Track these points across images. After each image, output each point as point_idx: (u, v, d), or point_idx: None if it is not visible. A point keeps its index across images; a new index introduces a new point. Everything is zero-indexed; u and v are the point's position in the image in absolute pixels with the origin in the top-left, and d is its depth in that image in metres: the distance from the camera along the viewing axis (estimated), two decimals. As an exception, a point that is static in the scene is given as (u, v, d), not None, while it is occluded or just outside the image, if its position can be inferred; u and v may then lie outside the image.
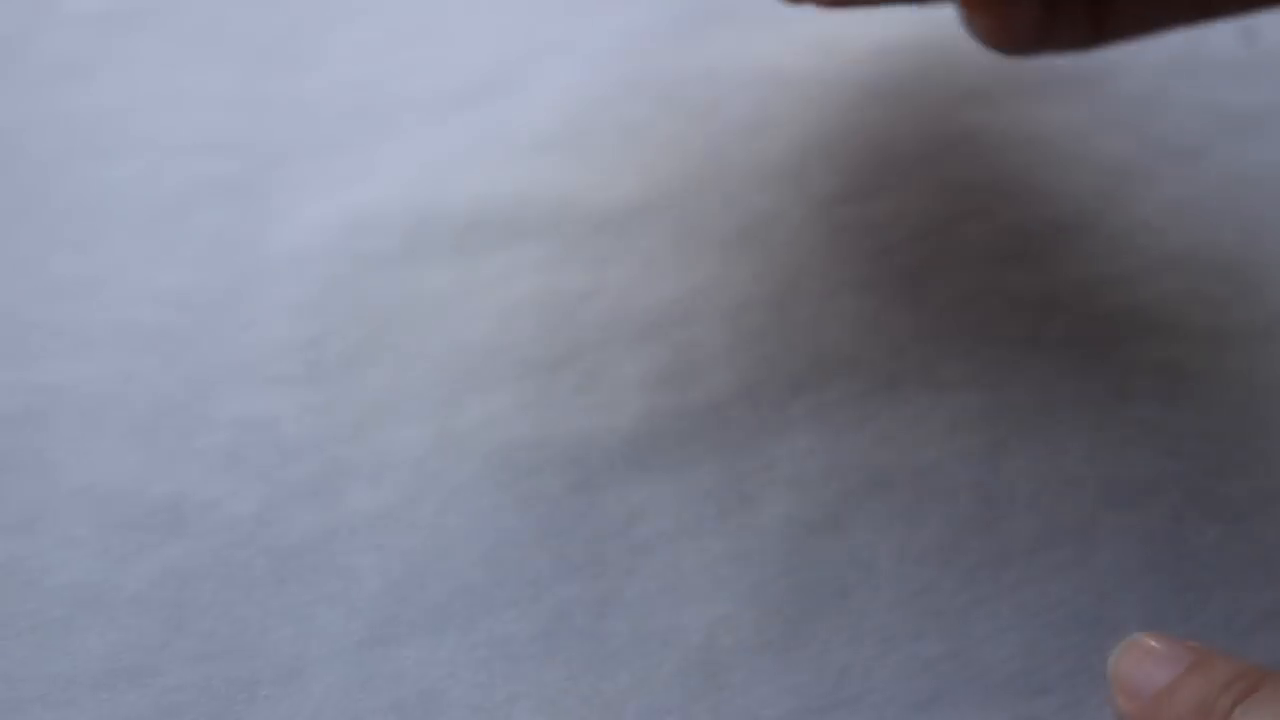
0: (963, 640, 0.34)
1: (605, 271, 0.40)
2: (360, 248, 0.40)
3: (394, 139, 0.43)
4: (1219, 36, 0.45)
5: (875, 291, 0.40)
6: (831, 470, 0.37)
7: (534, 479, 0.36)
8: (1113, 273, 0.41)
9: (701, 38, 0.46)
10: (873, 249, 0.42)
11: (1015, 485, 0.36)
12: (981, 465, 0.37)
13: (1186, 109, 0.45)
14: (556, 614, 0.34)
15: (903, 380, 0.39)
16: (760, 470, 0.37)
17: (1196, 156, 0.45)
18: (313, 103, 0.44)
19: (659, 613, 0.34)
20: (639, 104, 0.44)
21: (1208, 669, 0.31)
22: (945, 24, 0.43)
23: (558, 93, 0.44)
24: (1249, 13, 0.38)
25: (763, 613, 0.34)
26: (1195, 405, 0.38)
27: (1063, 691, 0.33)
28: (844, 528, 0.36)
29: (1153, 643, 0.32)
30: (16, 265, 0.40)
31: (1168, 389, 0.39)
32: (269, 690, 0.32)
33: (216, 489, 0.36)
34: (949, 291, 0.41)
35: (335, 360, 0.38)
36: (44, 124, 0.43)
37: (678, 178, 0.42)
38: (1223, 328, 0.40)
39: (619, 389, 0.38)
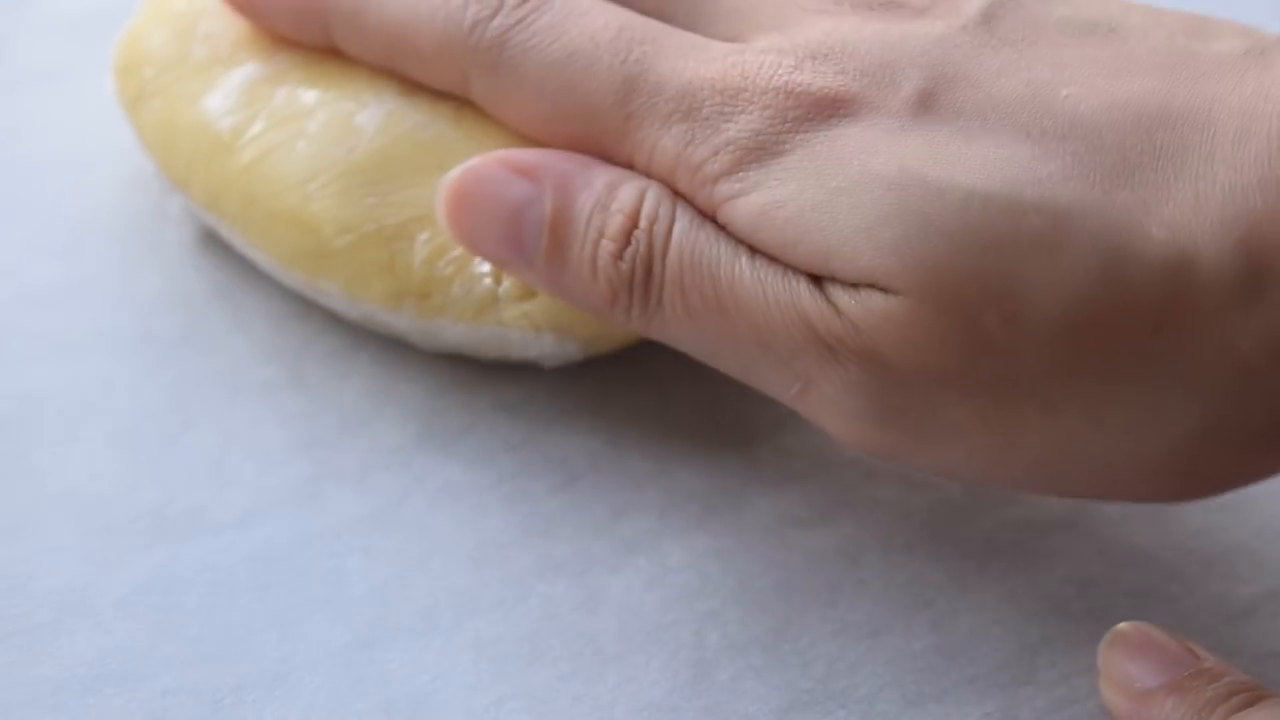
0: (950, 632, 0.34)
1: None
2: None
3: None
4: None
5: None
6: (817, 465, 0.37)
7: (518, 480, 0.36)
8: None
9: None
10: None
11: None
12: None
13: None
14: (543, 613, 0.34)
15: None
16: (745, 467, 0.37)
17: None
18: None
19: (646, 610, 0.34)
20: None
21: (1204, 679, 0.31)
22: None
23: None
24: None
25: (750, 609, 0.34)
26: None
27: (1050, 682, 0.33)
28: (830, 521, 0.36)
29: (1146, 637, 0.32)
30: (-3, 270, 0.40)
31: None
32: (255, 695, 0.32)
33: (200, 494, 0.36)
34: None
35: (318, 364, 0.38)
36: (25, 128, 0.43)
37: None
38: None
39: (603, 390, 0.38)
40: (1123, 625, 0.32)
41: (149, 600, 0.34)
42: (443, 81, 0.36)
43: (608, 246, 0.33)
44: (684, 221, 0.32)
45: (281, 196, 0.37)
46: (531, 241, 0.34)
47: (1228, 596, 0.34)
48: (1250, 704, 0.30)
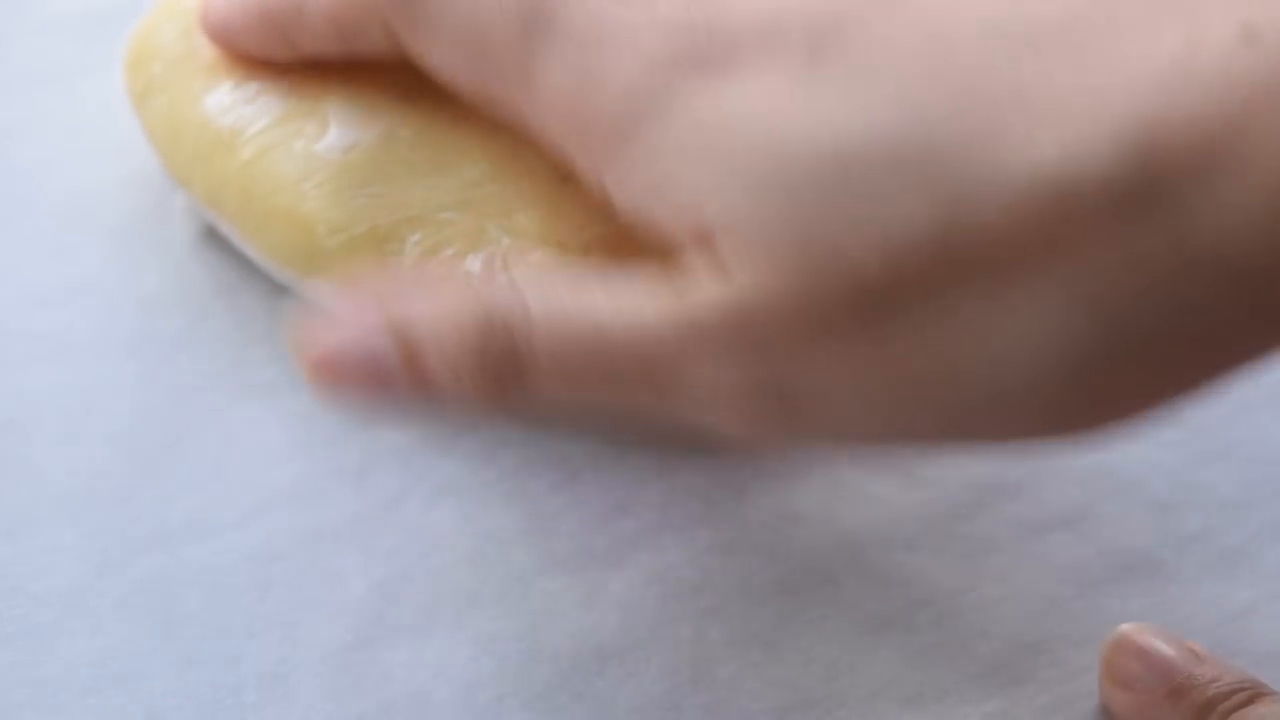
0: (951, 631, 0.34)
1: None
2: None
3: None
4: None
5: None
6: (818, 462, 0.37)
7: (518, 477, 0.36)
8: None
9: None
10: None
11: (1003, 473, 0.36)
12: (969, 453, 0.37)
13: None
14: (543, 610, 0.34)
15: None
16: (746, 463, 0.37)
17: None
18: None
19: (647, 606, 0.34)
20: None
21: (1204, 679, 0.31)
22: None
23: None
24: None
25: (751, 605, 0.34)
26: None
27: (1050, 681, 0.33)
28: (831, 518, 0.36)
29: (1148, 638, 0.32)
30: (-2, 271, 0.40)
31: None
32: (255, 696, 0.32)
33: (200, 495, 0.36)
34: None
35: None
36: (26, 128, 0.43)
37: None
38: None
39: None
40: (1124, 626, 0.33)
41: (149, 601, 0.34)
42: (390, 49, 0.35)
43: (464, 345, 0.31)
44: (535, 292, 0.31)
45: (277, 195, 0.37)
46: (393, 368, 0.31)
47: (1228, 596, 0.34)
48: (1249, 701, 0.30)
